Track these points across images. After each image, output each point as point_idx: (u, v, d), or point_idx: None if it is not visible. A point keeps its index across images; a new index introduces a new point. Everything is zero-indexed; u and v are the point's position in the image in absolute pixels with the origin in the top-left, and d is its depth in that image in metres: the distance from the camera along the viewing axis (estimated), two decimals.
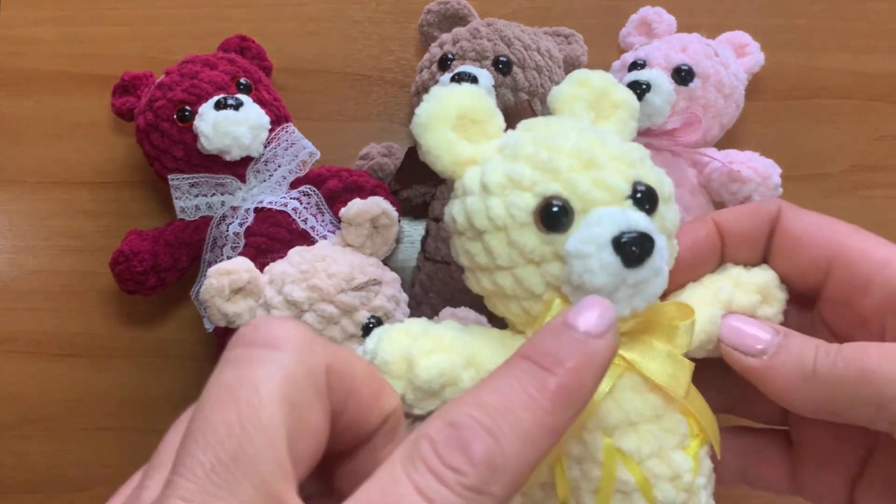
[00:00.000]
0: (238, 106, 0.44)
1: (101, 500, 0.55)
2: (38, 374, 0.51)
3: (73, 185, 0.53)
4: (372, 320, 0.39)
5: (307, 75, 0.54)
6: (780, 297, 0.30)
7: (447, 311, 0.45)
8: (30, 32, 0.55)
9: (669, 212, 0.28)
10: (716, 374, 0.30)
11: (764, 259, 0.31)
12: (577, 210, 0.26)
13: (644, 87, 0.45)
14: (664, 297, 0.29)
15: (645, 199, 0.26)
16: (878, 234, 0.51)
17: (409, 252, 0.52)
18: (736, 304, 0.29)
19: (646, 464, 0.27)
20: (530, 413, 0.20)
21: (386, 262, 0.43)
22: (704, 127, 0.47)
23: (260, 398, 0.18)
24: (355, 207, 0.41)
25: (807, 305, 0.31)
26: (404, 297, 0.42)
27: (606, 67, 0.51)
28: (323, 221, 0.46)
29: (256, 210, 0.45)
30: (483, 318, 0.44)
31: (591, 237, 0.25)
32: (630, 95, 0.31)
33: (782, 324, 0.30)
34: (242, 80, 0.46)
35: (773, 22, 0.54)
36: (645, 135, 0.47)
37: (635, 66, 0.48)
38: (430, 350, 0.26)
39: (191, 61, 0.47)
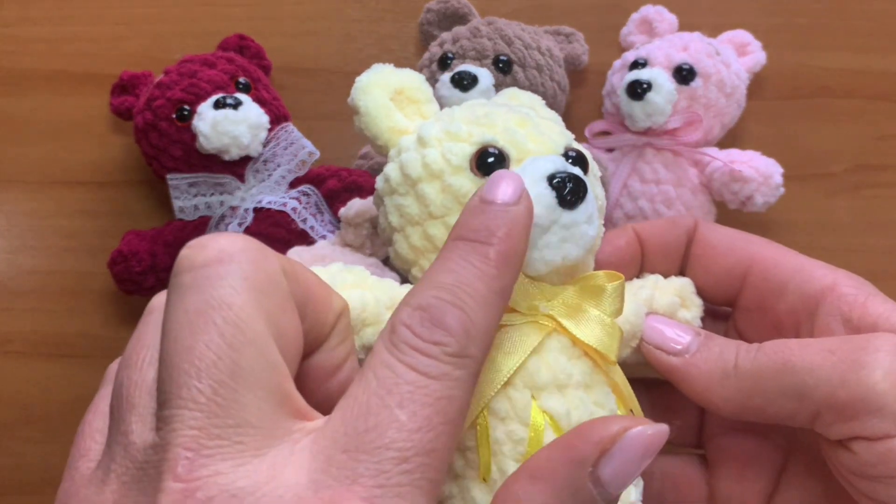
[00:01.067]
0: (237, 105, 0.44)
1: None
2: (36, 374, 0.51)
3: (72, 185, 0.53)
4: None
5: (306, 74, 0.54)
6: (697, 302, 0.32)
7: None
8: (28, 32, 0.55)
9: (598, 188, 0.29)
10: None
11: (681, 272, 0.33)
12: (513, 158, 0.26)
13: (645, 86, 0.45)
14: None
15: (576, 161, 0.27)
16: (881, 234, 0.52)
17: None
18: (657, 304, 0.30)
19: None
20: (483, 281, 0.22)
21: (386, 261, 0.43)
22: (706, 126, 0.47)
23: (235, 312, 0.19)
24: (355, 207, 0.41)
25: (720, 318, 0.33)
26: None
27: (607, 66, 0.50)
28: (322, 221, 0.46)
29: (255, 210, 0.45)
30: None
31: (527, 171, 0.25)
32: (555, 116, 0.32)
33: None
34: (241, 80, 0.46)
35: (774, 21, 0.54)
36: (646, 134, 0.47)
37: (636, 65, 0.48)
38: (352, 284, 0.26)
39: (189, 60, 0.46)
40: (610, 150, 0.50)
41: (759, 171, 0.45)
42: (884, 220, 0.52)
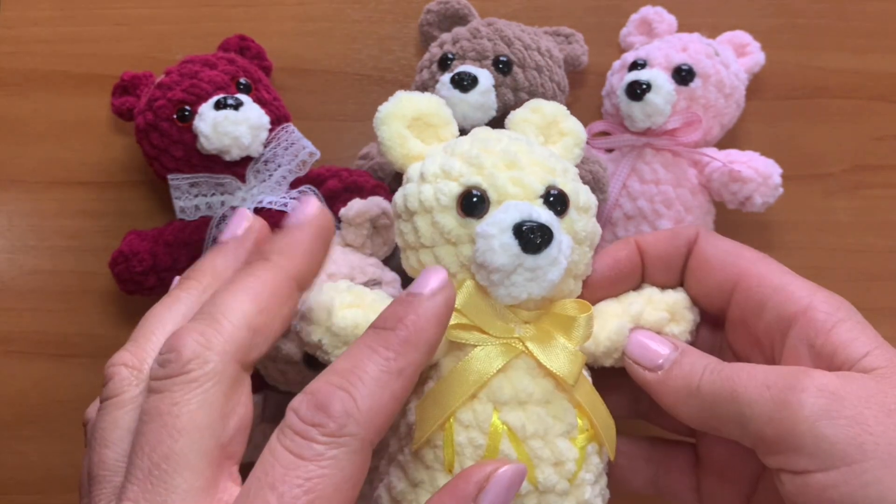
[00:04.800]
0: (238, 106, 0.44)
1: None
2: (37, 374, 0.51)
3: (73, 185, 0.53)
4: None
5: (307, 75, 0.54)
6: (688, 317, 0.33)
7: None
8: (30, 32, 0.55)
9: (582, 221, 0.31)
10: (630, 381, 0.32)
11: (681, 282, 0.34)
12: (493, 201, 0.29)
13: (644, 86, 0.45)
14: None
15: (556, 201, 0.30)
16: (879, 234, 0.52)
17: None
18: (644, 319, 0.32)
19: (529, 443, 0.29)
20: (377, 364, 0.23)
21: (386, 262, 0.43)
22: (705, 127, 0.47)
23: (180, 409, 0.22)
24: (355, 207, 0.41)
25: (719, 327, 0.34)
26: None
27: (607, 67, 0.50)
28: None
29: (256, 210, 0.45)
30: None
31: (496, 221, 0.28)
32: (578, 126, 0.34)
33: (692, 343, 0.33)
34: (242, 80, 0.46)
35: (773, 21, 0.54)
36: (645, 134, 0.47)
37: (636, 65, 0.48)
38: (349, 304, 0.30)
39: (190, 61, 0.47)
40: (609, 150, 0.50)
41: (758, 172, 0.45)
42: (882, 221, 0.52)
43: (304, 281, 0.28)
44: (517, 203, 0.29)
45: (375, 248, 0.42)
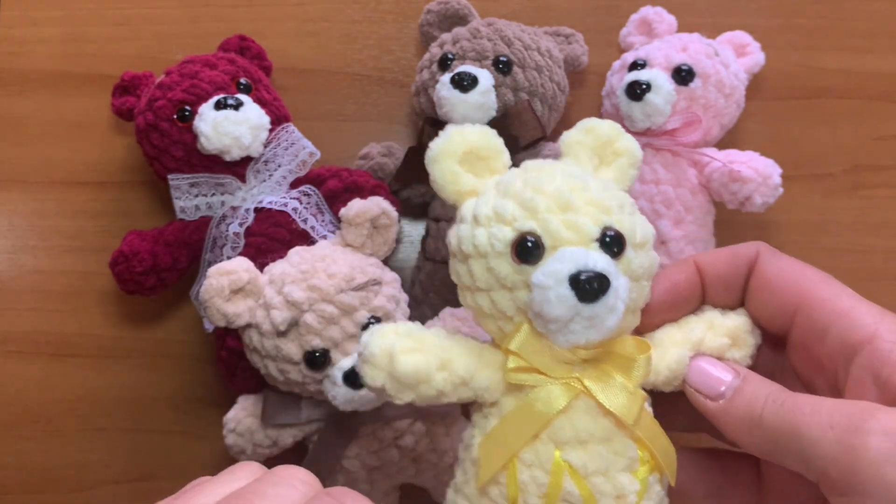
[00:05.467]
0: (238, 106, 0.44)
1: (101, 501, 0.55)
2: (38, 374, 0.51)
3: (73, 185, 0.53)
4: (372, 320, 0.39)
5: (307, 75, 0.54)
6: (749, 342, 0.32)
7: (447, 310, 0.45)
8: (30, 32, 0.55)
9: (639, 257, 0.30)
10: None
11: (742, 302, 0.33)
12: (548, 247, 0.29)
13: (644, 86, 0.45)
14: (640, 333, 0.32)
15: (613, 243, 0.29)
16: (879, 234, 0.52)
17: (409, 252, 0.52)
18: (706, 346, 0.32)
19: (591, 479, 0.30)
20: None
21: (386, 262, 0.43)
22: (705, 127, 0.47)
23: None
24: (355, 207, 0.41)
25: (780, 347, 0.33)
26: (404, 297, 0.42)
27: (607, 67, 0.51)
28: (323, 221, 0.46)
29: (256, 210, 0.45)
30: None
31: (552, 272, 0.28)
32: (633, 145, 0.33)
33: (753, 364, 0.32)
34: (242, 80, 0.46)
35: (773, 22, 0.54)
36: (645, 135, 0.47)
37: (635, 65, 0.48)
38: (410, 349, 0.30)
39: (191, 61, 0.47)
40: None
41: (757, 172, 0.45)
42: (882, 221, 0.52)
43: None
44: (572, 250, 0.28)
45: (375, 248, 0.42)
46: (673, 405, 0.33)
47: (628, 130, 0.47)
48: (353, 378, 0.38)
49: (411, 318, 0.43)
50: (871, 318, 0.28)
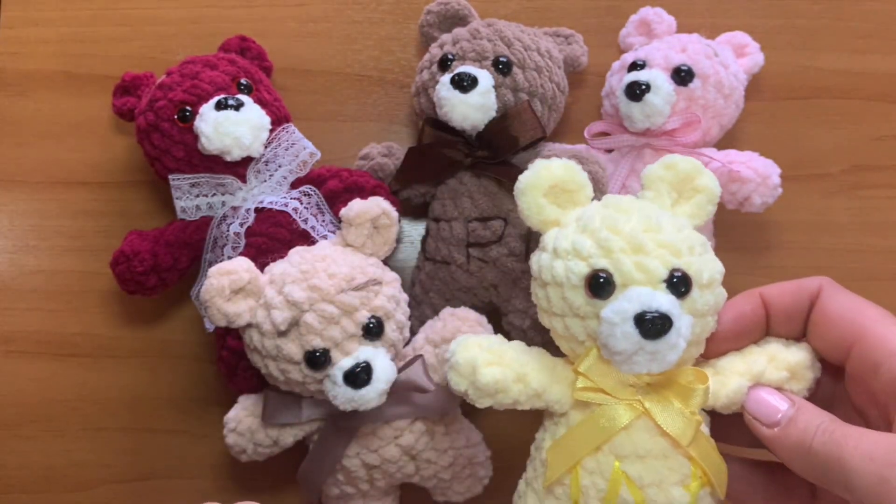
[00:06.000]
0: (239, 106, 0.44)
1: (102, 500, 0.55)
2: (38, 374, 0.51)
3: (74, 185, 0.53)
4: (372, 320, 0.39)
5: (307, 76, 0.54)
6: (808, 376, 0.34)
7: (447, 311, 0.45)
8: (30, 32, 0.55)
9: (705, 296, 0.32)
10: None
11: (804, 332, 0.35)
12: (619, 284, 0.31)
13: (644, 87, 0.45)
14: (705, 358, 0.35)
15: (680, 283, 0.32)
16: (878, 234, 0.52)
17: (409, 252, 0.52)
18: (766, 378, 0.34)
19: (646, 490, 0.32)
20: None
21: (386, 261, 0.43)
22: (704, 127, 0.47)
23: None
24: (356, 207, 0.41)
25: (840, 376, 0.35)
26: (404, 296, 0.43)
27: (606, 68, 0.51)
28: (323, 221, 0.46)
29: (257, 210, 0.45)
30: (483, 318, 0.44)
31: (620, 310, 0.31)
32: (713, 182, 0.35)
33: (814, 391, 0.34)
34: (243, 81, 0.46)
35: (772, 22, 0.54)
36: (644, 135, 0.47)
37: (635, 66, 0.48)
38: (490, 362, 0.34)
39: (191, 62, 0.47)
40: (609, 150, 0.50)
41: (757, 172, 0.45)
42: (881, 221, 0.52)
43: None
44: (640, 290, 0.31)
45: (376, 248, 0.42)
46: (737, 424, 0.35)
47: (628, 130, 0.48)
48: (353, 378, 0.38)
49: (411, 318, 0.43)
50: None
